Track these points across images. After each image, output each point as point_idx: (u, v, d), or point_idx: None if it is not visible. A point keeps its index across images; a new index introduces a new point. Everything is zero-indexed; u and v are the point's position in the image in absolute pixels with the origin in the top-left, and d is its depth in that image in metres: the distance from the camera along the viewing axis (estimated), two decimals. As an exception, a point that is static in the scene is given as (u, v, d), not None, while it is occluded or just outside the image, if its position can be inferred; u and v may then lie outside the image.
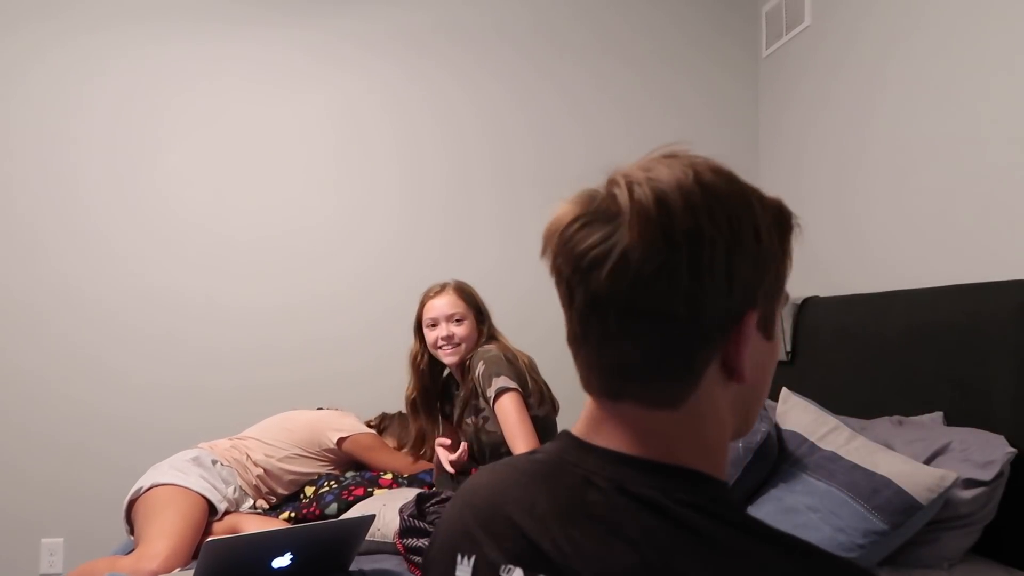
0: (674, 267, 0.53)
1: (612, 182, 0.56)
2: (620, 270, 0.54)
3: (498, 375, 1.87)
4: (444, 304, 2.00)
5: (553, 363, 2.84)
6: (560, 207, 0.59)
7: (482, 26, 2.94)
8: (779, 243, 0.61)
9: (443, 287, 2.04)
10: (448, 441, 2.02)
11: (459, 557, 0.63)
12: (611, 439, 0.59)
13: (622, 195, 0.55)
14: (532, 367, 2.03)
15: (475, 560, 0.61)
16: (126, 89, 2.75)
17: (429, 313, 2.02)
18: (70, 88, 2.72)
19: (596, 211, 0.56)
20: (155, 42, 2.77)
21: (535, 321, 2.88)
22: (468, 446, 1.98)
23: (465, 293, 2.05)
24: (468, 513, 0.64)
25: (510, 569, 0.58)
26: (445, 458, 1.94)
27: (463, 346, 2.00)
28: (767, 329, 0.61)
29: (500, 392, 1.84)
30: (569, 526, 0.56)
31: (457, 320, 1.99)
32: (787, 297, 0.65)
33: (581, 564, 0.54)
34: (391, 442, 2.41)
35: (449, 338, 1.99)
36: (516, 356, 2.00)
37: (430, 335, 2.02)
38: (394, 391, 2.24)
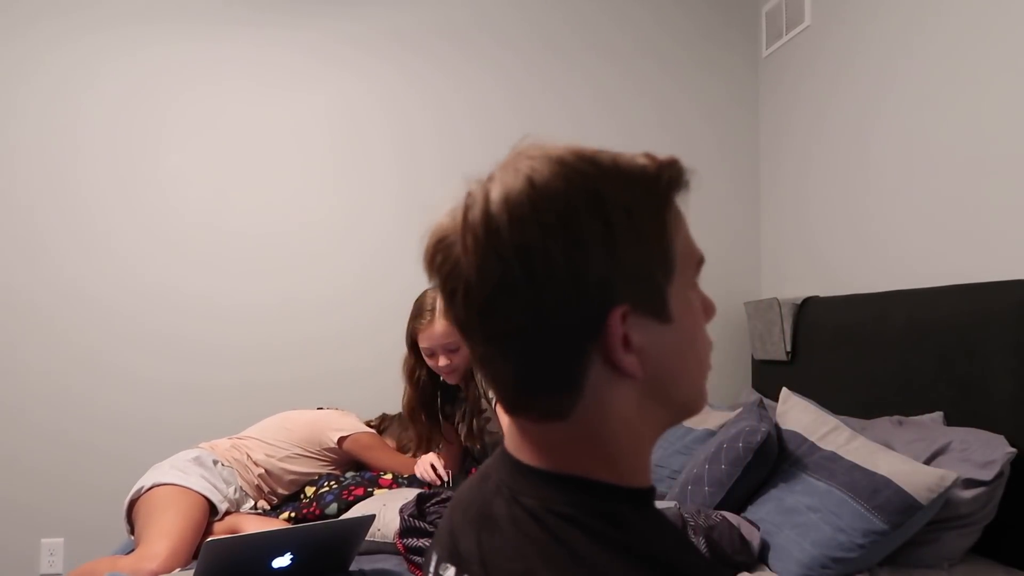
0: (511, 284, 0.53)
1: (467, 195, 0.56)
2: (468, 298, 0.55)
3: None
4: (438, 334, 1.94)
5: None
6: (433, 224, 0.58)
7: (479, 28, 2.94)
8: (653, 215, 0.56)
9: (432, 314, 1.97)
10: (440, 464, 2.03)
11: (433, 555, 0.66)
12: (520, 449, 0.59)
13: (463, 217, 0.55)
14: None
15: (435, 558, 0.65)
16: (127, 90, 2.76)
17: (424, 343, 1.98)
18: (72, 89, 2.72)
19: (453, 230, 0.56)
20: (155, 44, 2.78)
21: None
22: (471, 446, 2.01)
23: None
24: (449, 514, 0.67)
25: (446, 567, 0.61)
26: (427, 471, 1.99)
27: (462, 367, 1.99)
28: (657, 313, 0.56)
29: None
30: (480, 531, 0.58)
31: (453, 349, 1.95)
32: (700, 258, 0.61)
33: (480, 570, 0.56)
34: (391, 442, 2.42)
35: (447, 367, 1.97)
36: None
37: (429, 361, 2.01)
38: (395, 389, 2.23)
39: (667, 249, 0.57)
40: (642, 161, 0.58)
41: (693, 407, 0.61)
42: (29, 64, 2.70)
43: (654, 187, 0.57)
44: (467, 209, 0.55)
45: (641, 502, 0.58)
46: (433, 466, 2.02)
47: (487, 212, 0.53)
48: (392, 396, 2.37)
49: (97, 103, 2.74)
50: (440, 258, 0.56)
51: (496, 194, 0.54)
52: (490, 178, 0.56)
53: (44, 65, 2.71)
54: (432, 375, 2.09)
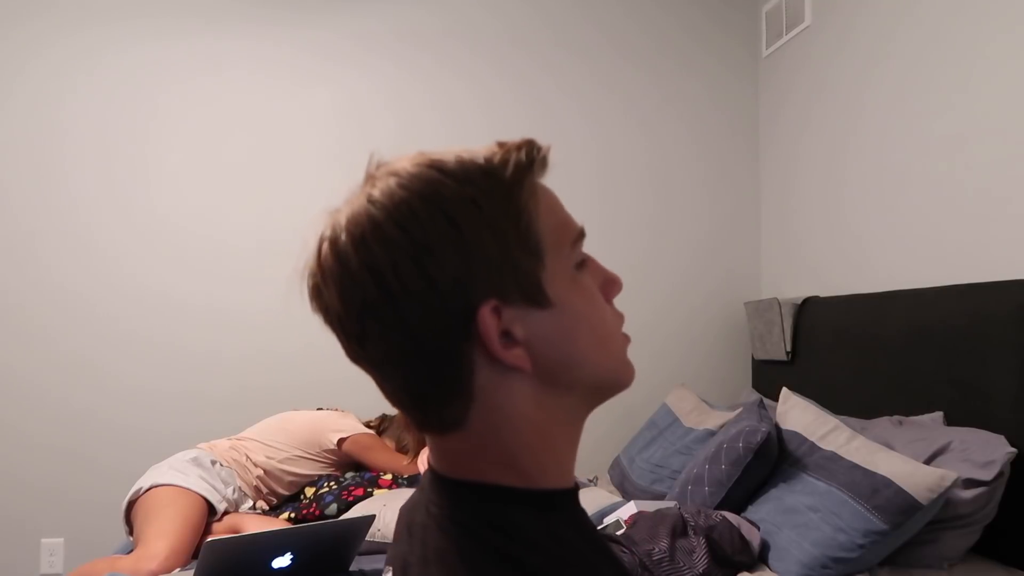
0: (370, 305, 0.53)
1: (319, 237, 0.57)
2: (344, 330, 0.55)
3: None
4: None
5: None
6: (304, 262, 0.59)
7: (485, 24, 2.94)
8: (504, 203, 0.54)
9: None
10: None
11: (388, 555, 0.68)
12: (435, 458, 0.60)
13: (316, 254, 0.56)
14: None
15: (386, 558, 0.67)
16: (122, 88, 2.74)
17: None
18: (64, 87, 2.71)
19: (317, 269, 0.56)
20: (152, 39, 2.76)
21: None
22: None
23: None
24: (398, 516, 0.69)
25: (387, 569, 0.62)
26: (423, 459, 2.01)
27: None
28: (533, 300, 0.54)
29: None
30: (406, 538, 0.60)
31: None
32: (578, 233, 0.59)
33: (403, 574, 0.58)
34: (390, 443, 2.41)
35: None
36: None
37: None
38: None
39: (528, 233, 0.55)
40: (488, 151, 0.57)
41: (612, 383, 0.59)
42: (19, 60, 2.69)
43: (500, 174, 0.55)
44: (320, 244, 0.55)
45: (547, 505, 0.56)
46: None
47: (334, 241, 0.54)
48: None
49: (91, 102, 2.73)
50: (316, 301, 0.56)
51: (340, 221, 0.54)
52: (337, 209, 0.56)
53: (36, 61, 2.70)
54: None
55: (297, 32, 2.84)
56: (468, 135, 2.91)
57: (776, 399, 2.01)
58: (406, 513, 0.63)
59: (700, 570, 1.48)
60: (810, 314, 2.49)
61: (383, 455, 2.27)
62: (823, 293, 2.56)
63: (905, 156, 2.18)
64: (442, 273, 0.52)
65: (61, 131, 2.71)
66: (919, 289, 1.99)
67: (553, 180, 2.94)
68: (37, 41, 2.70)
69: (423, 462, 2.07)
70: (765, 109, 3.02)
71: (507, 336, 0.54)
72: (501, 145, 0.57)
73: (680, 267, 3.01)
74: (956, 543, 1.57)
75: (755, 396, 2.44)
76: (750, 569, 1.57)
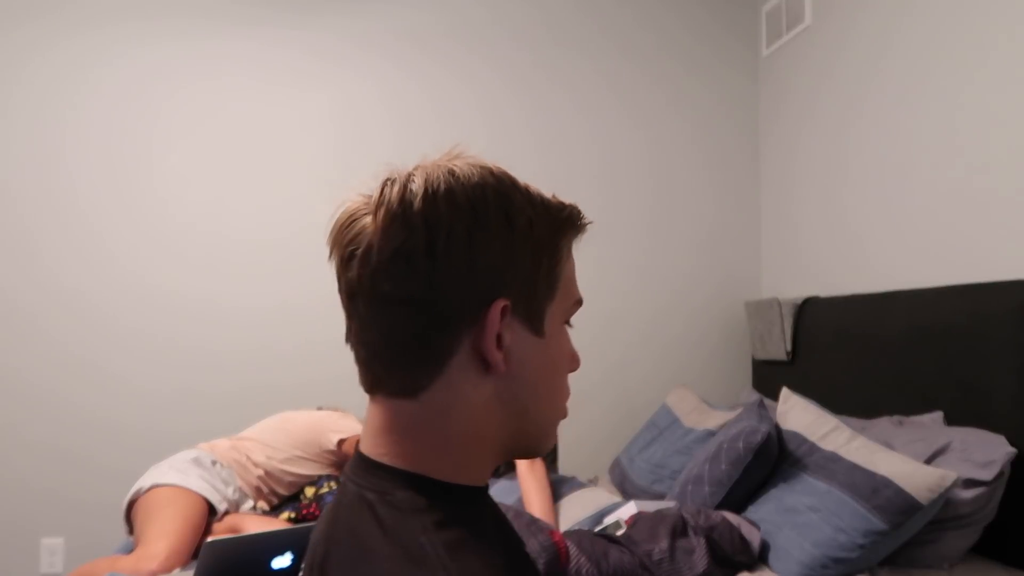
0: (411, 251, 0.56)
1: (385, 179, 0.60)
2: (365, 258, 0.58)
3: None
4: None
5: (589, 363, 2.82)
6: (346, 202, 0.62)
7: (484, 23, 2.94)
8: (549, 236, 0.61)
9: None
10: None
11: None
12: (365, 438, 0.62)
13: (379, 193, 0.59)
14: None
15: None
16: (124, 88, 2.75)
17: None
18: (66, 87, 2.72)
19: (366, 207, 0.59)
20: (153, 40, 2.77)
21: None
22: None
23: None
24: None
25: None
26: None
27: None
28: (532, 323, 0.61)
29: None
30: (327, 515, 0.63)
31: None
32: (578, 301, 0.66)
33: (322, 549, 0.60)
34: None
35: None
36: None
37: None
38: None
39: (554, 271, 0.62)
40: (550, 195, 0.64)
41: (542, 439, 0.64)
42: (22, 61, 2.70)
43: (556, 215, 0.62)
44: (385, 185, 0.59)
45: (467, 499, 0.60)
46: None
47: (405, 186, 0.58)
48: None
49: (93, 102, 2.73)
50: (346, 230, 0.60)
51: (418, 176, 0.58)
52: (414, 169, 0.60)
53: (38, 62, 2.71)
54: None
55: (297, 34, 2.84)
56: (467, 136, 2.91)
57: (776, 399, 2.01)
58: (339, 488, 0.65)
59: (700, 570, 1.48)
60: (810, 314, 2.50)
61: None
62: (823, 293, 2.56)
63: (905, 156, 2.18)
64: (485, 256, 0.57)
65: (63, 132, 2.71)
66: (919, 289, 1.99)
67: (554, 179, 2.95)
68: (39, 43, 2.70)
69: None
70: (765, 109, 3.03)
71: (499, 339, 0.58)
72: (557, 199, 0.64)
73: (680, 267, 3.01)
74: (956, 543, 1.57)
75: (755, 396, 2.44)
76: (750, 569, 1.57)
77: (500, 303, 0.57)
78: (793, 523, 1.59)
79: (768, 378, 2.75)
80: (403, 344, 0.58)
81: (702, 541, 1.53)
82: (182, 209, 2.76)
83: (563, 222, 0.63)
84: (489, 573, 0.54)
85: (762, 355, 2.75)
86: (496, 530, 0.62)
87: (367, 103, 2.88)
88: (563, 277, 0.63)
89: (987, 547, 1.65)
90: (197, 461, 2.07)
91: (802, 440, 1.78)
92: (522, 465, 1.81)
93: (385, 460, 0.59)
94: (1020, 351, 1.65)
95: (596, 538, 1.52)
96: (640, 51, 3.02)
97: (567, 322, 0.65)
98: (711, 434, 2.09)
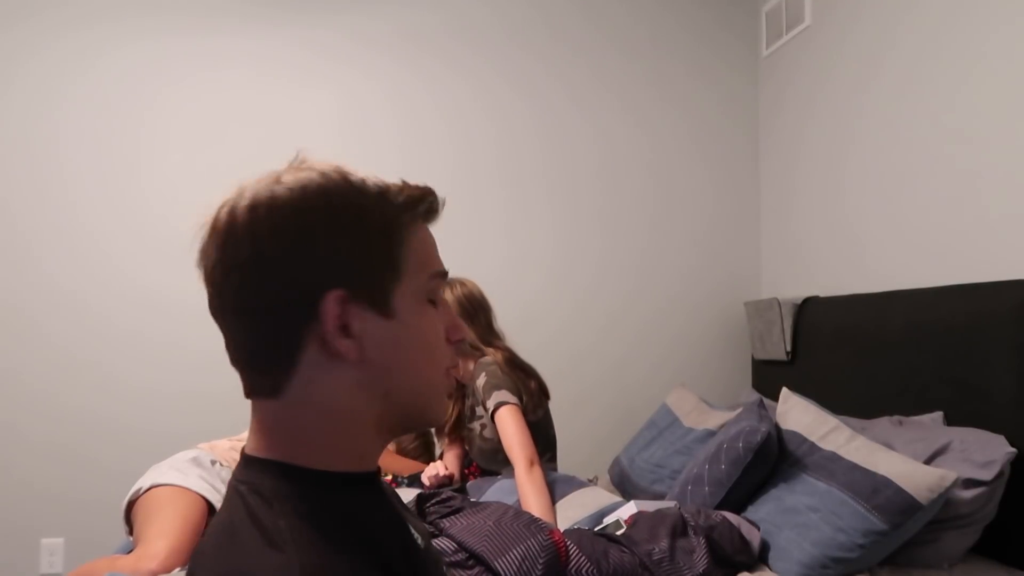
0: (242, 264, 0.60)
1: (221, 202, 0.64)
2: (210, 277, 0.62)
3: (498, 388, 1.96)
4: None
5: (561, 362, 2.83)
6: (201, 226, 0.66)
7: (487, 23, 2.94)
8: (384, 222, 0.64)
9: None
10: (441, 470, 2.10)
11: None
12: (247, 440, 0.65)
13: (214, 215, 0.64)
14: (523, 366, 2.07)
15: None
16: (121, 87, 2.73)
17: None
18: (61, 86, 2.70)
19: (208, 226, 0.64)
20: (151, 38, 2.75)
21: (543, 320, 2.89)
22: (467, 450, 2.12)
23: None
24: None
25: None
26: (430, 473, 2.08)
27: None
28: (379, 307, 0.63)
29: (499, 405, 1.93)
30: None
31: None
32: (436, 274, 0.68)
33: None
34: (391, 445, 2.41)
35: None
36: (512, 365, 2.04)
37: None
38: None
39: (394, 253, 0.64)
40: (390, 183, 0.66)
41: (420, 409, 0.66)
42: (16, 59, 2.67)
43: (393, 199, 0.65)
44: (221, 207, 0.63)
45: (332, 485, 0.62)
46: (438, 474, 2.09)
47: (234, 205, 0.62)
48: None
49: (88, 101, 2.71)
50: (200, 253, 0.64)
51: (248, 193, 0.63)
52: (246, 186, 0.64)
53: (33, 60, 2.68)
54: None
55: (298, 32, 2.83)
56: (470, 134, 2.91)
57: (776, 399, 2.01)
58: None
59: (700, 570, 1.48)
60: (810, 314, 2.50)
61: None
62: (823, 293, 2.56)
63: (905, 156, 2.18)
64: (310, 254, 0.60)
65: (59, 131, 2.70)
66: (919, 289, 1.99)
67: (554, 178, 2.94)
68: (34, 40, 2.69)
69: (434, 470, 2.08)
70: (765, 109, 3.03)
71: (345, 328, 0.61)
72: (403, 182, 0.67)
73: (680, 267, 3.01)
74: (956, 543, 1.57)
75: (755, 396, 2.44)
76: (750, 569, 1.57)
77: (333, 294, 0.60)
78: (793, 523, 1.59)
79: (768, 378, 2.75)
80: (255, 351, 0.62)
81: (702, 541, 1.53)
82: (182, 210, 2.75)
83: (400, 207, 0.65)
84: (334, 558, 0.56)
85: (762, 355, 2.75)
86: (371, 513, 0.63)
87: (372, 103, 2.86)
88: (409, 258, 0.65)
89: (987, 547, 1.65)
90: (197, 461, 2.07)
91: (802, 440, 1.78)
92: (520, 471, 1.83)
93: (259, 454, 0.63)
94: (1020, 351, 1.65)
95: (596, 538, 1.52)
96: (641, 51, 3.02)
97: (432, 299, 0.67)
98: (711, 434, 2.09)
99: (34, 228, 2.68)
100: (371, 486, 0.66)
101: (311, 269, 0.60)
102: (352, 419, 0.63)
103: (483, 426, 2.07)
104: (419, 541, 0.68)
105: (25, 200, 2.68)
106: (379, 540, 0.62)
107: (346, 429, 0.63)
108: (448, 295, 2.07)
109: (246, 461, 0.64)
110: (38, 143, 2.69)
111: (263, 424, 0.63)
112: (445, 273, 0.69)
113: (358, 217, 0.62)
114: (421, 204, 0.67)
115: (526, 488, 1.81)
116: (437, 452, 2.47)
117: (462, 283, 2.12)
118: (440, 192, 0.70)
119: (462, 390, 2.11)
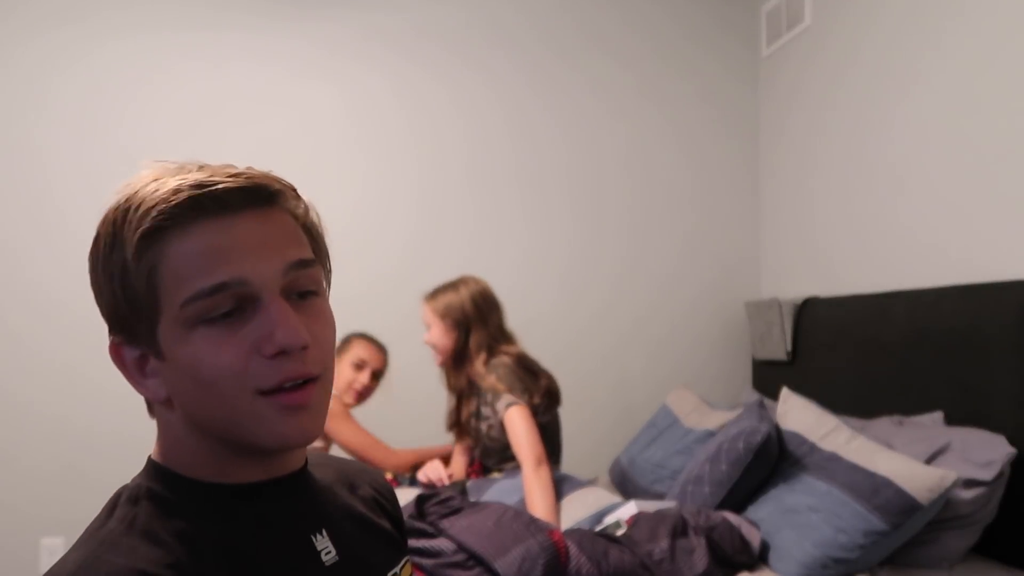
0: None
1: None
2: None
3: (508, 389, 1.97)
4: (422, 313, 2.13)
5: (560, 361, 2.82)
6: None
7: (500, 17, 2.89)
8: (123, 256, 0.57)
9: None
10: (441, 474, 2.11)
11: None
12: None
13: None
14: (533, 367, 2.06)
15: None
16: (118, 84, 2.68)
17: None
18: (53, 82, 2.64)
19: None
20: (148, 32, 2.70)
21: (544, 320, 2.85)
22: (475, 448, 2.14)
23: (436, 302, 2.09)
24: None
25: None
26: (430, 474, 2.09)
27: (435, 350, 2.11)
28: (150, 347, 0.59)
29: (508, 406, 1.94)
30: None
31: (427, 327, 2.11)
32: (200, 293, 0.55)
33: None
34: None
35: (428, 341, 2.12)
36: (522, 366, 2.04)
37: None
38: (419, 397, 2.23)
39: (138, 291, 0.57)
40: (152, 185, 0.58)
41: (251, 440, 0.59)
42: (3, 56, 2.62)
43: (136, 226, 0.57)
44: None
45: (182, 490, 0.61)
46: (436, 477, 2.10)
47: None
48: (417, 405, 2.44)
49: (83, 99, 2.66)
50: None
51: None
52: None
53: (24, 56, 2.63)
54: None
55: (304, 26, 2.78)
56: (484, 130, 2.88)
57: (776, 399, 2.01)
58: None
59: (700, 570, 1.48)
60: (810, 314, 2.50)
61: (346, 426, 2.20)
62: (823, 293, 2.56)
63: (907, 156, 2.18)
64: (98, 297, 0.61)
65: (49, 130, 2.64)
66: (919, 290, 1.99)
67: (554, 179, 2.94)
68: (20, 34, 2.62)
69: (435, 473, 2.09)
70: (765, 109, 3.02)
71: (143, 367, 0.61)
72: (157, 180, 0.59)
73: (680, 267, 3.01)
74: (956, 543, 1.57)
75: (755, 396, 2.44)
76: (750, 569, 1.57)
77: (112, 341, 0.61)
78: (793, 523, 1.59)
79: (768, 378, 2.75)
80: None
81: (702, 541, 1.53)
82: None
83: (137, 232, 0.56)
84: (138, 563, 0.54)
85: (762, 355, 2.75)
86: (226, 524, 0.60)
87: (383, 99, 2.83)
88: (165, 285, 0.56)
89: (987, 547, 1.65)
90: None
91: (802, 440, 1.78)
92: (527, 469, 1.84)
93: (155, 455, 0.64)
94: (1020, 351, 1.65)
95: (596, 538, 1.52)
96: (642, 52, 3.01)
97: (210, 318, 0.56)
98: (711, 434, 2.09)
99: (15, 232, 2.62)
100: (249, 500, 0.62)
101: (106, 312, 0.61)
102: (194, 440, 0.62)
103: (490, 427, 2.07)
104: (328, 557, 0.64)
105: (4, 204, 2.61)
106: (210, 553, 0.58)
107: (194, 450, 0.62)
108: (462, 292, 2.07)
109: (147, 461, 0.65)
110: (25, 140, 2.63)
111: (159, 430, 0.65)
112: (210, 290, 0.55)
113: (107, 257, 0.58)
114: (180, 209, 0.56)
115: (533, 487, 1.81)
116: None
117: (476, 281, 2.11)
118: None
119: (474, 388, 2.09)
